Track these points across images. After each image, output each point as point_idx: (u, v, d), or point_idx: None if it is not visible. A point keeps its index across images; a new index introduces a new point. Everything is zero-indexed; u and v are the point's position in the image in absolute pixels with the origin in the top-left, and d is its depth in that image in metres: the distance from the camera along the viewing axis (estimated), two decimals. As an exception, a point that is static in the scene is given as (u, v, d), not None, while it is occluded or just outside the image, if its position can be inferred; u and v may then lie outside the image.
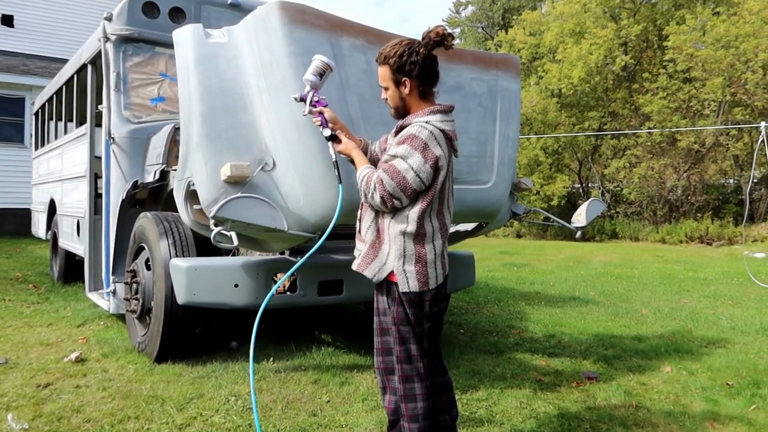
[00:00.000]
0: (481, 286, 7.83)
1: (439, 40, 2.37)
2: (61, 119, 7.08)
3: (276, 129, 3.09)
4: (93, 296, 5.28)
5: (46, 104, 8.05)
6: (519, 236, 20.29)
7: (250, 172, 3.01)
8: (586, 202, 4.05)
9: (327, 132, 2.55)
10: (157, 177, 4.35)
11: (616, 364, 4.31)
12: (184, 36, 3.20)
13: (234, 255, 4.04)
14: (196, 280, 3.48)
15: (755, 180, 17.87)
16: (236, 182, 3.02)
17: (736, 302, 7.00)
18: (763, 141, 9.70)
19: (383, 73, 2.42)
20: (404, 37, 2.49)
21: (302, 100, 2.60)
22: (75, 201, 6.10)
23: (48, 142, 7.93)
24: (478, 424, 3.08)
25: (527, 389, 3.64)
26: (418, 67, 2.36)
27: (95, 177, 5.52)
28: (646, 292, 7.78)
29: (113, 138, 4.68)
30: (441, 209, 2.40)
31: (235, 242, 2.88)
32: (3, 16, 15.48)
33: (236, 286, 3.51)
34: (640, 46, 22.11)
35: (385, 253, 2.37)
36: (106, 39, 4.78)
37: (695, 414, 3.34)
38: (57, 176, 7.10)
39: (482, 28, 37.50)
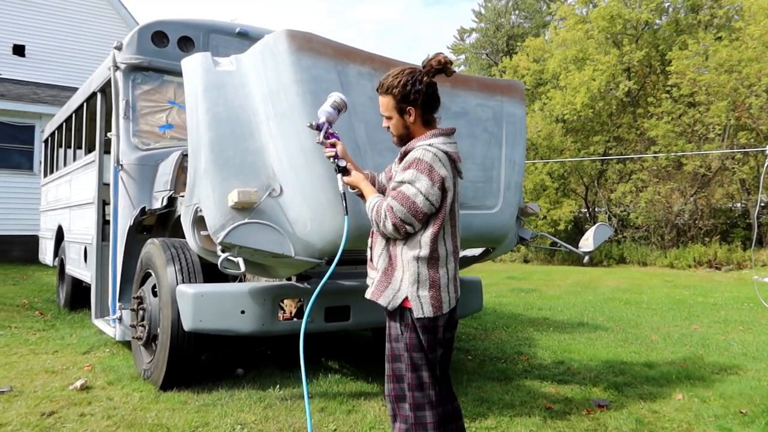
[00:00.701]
0: (488, 312, 7.78)
1: (440, 67, 2.41)
2: (70, 146, 7.16)
3: (283, 155, 3.11)
4: (99, 323, 5.27)
5: (56, 132, 8.15)
6: (526, 261, 20.22)
7: (258, 198, 3.02)
8: (594, 227, 4.04)
9: (341, 163, 2.55)
10: (164, 203, 4.37)
11: (627, 391, 4.24)
12: (193, 64, 3.24)
13: (240, 281, 4.03)
14: (203, 306, 3.47)
15: (762, 204, 17.80)
16: (244, 208, 3.03)
17: (747, 328, 6.92)
18: (769, 165, 9.68)
19: (386, 102, 2.44)
20: (405, 65, 2.52)
21: (317, 128, 2.61)
22: (83, 227, 6.13)
23: (57, 170, 8.00)
24: (488, 454, 3.02)
25: (537, 417, 3.59)
26: (422, 95, 2.39)
27: (103, 203, 5.55)
28: (655, 317, 7.70)
29: (121, 165, 4.71)
30: (452, 231, 2.41)
31: (242, 268, 2.88)
32: (15, 45, 15.76)
33: (243, 312, 3.50)
34: (643, 71, 22.28)
35: (398, 279, 2.36)
36: (116, 68, 4.85)
37: (709, 443, 3.27)
38: (65, 203, 7.15)
39: (486, 54, 37.94)
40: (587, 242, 3.96)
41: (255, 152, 3.15)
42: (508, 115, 3.82)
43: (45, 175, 9.05)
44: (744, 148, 16.98)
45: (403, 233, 2.32)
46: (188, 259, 3.88)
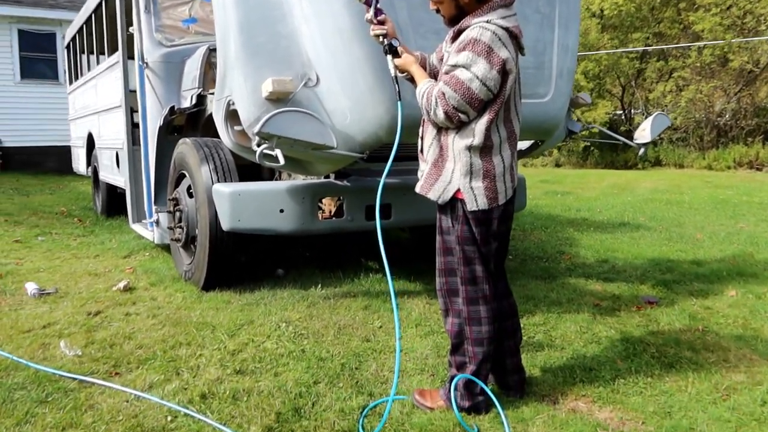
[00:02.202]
0: (525, 213, 7.61)
1: None
2: (92, 50, 6.93)
3: (318, 39, 2.86)
4: (137, 227, 5.26)
5: (76, 36, 7.89)
6: (558, 165, 19.79)
7: (293, 87, 2.81)
8: (650, 117, 3.75)
9: (395, 43, 2.29)
10: (194, 102, 4.18)
11: (676, 288, 4.11)
12: (217, -59, 2.94)
13: (277, 180, 3.90)
14: (240, 205, 3.36)
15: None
16: (278, 99, 2.83)
17: (797, 226, 6.66)
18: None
19: None
20: None
21: (366, 2, 2.33)
22: (113, 132, 6.01)
23: (81, 76, 7.81)
24: (538, 349, 2.95)
25: (585, 314, 3.49)
26: None
27: (131, 110, 5.39)
28: (698, 216, 7.46)
29: (146, 63, 4.50)
30: (509, 116, 2.19)
31: (281, 161, 2.71)
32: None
33: (281, 211, 3.38)
34: (690, -42, 20.64)
35: (449, 170, 2.18)
36: (133, -43, 4.54)
37: (768, 338, 3.15)
38: (93, 109, 7.01)
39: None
40: (644, 133, 3.69)
41: (288, 37, 2.91)
42: (561, -8, 3.46)
43: (70, 83, 8.88)
44: (798, 39, 15.87)
45: (456, 122, 2.11)
46: (222, 158, 3.74)
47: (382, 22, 2.32)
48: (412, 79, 2.33)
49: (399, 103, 2.27)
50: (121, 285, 3.96)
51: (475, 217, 2.19)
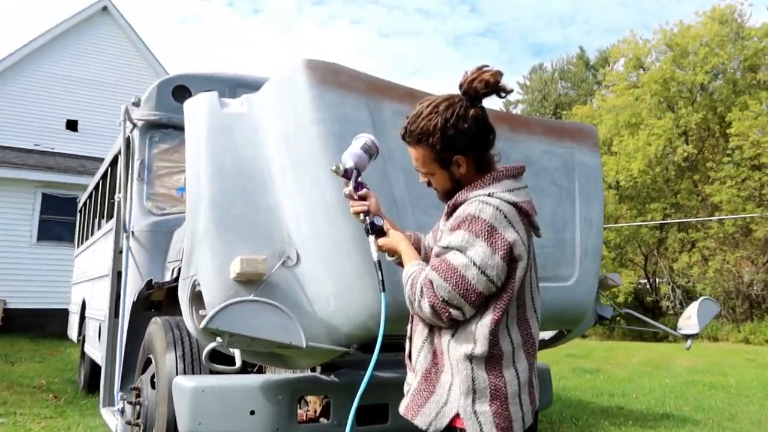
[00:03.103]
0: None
1: (491, 89, 1.67)
2: (96, 215, 6.78)
3: (301, 214, 2.47)
4: (105, 413, 4.60)
5: (87, 200, 7.85)
6: (584, 336, 18.80)
7: (267, 268, 2.36)
8: (696, 303, 3.20)
9: (377, 222, 1.87)
10: (174, 275, 3.76)
11: None
12: (196, 105, 2.70)
13: (256, 369, 3.33)
14: (203, 404, 2.76)
15: None
16: (249, 281, 2.37)
17: None
18: None
19: (421, 155, 1.75)
20: (433, 96, 1.75)
21: (345, 175, 1.93)
22: (100, 302, 5.60)
23: (86, 240, 7.64)
24: None
25: None
26: (472, 135, 1.68)
27: (118, 275, 5.02)
28: (752, 407, 6.54)
29: (132, 232, 4.19)
30: (523, 314, 1.67)
31: (238, 362, 2.17)
32: (68, 121, 16.14)
33: (252, 413, 2.77)
34: (701, 134, 21.30)
35: (445, 386, 1.63)
36: (133, 125, 4.43)
37: None
38: (89, 275, 6.70)
39: (533, 123, 37.56)
40: (689, 322, 3.12)
41: (267, 211, 2.52)
42: (580, 164, 3.12)
43: (77, 246, 8.73)
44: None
45: (446, 320, 1.60)
46: (193, 344, 3.21)
47: (363, 197, 1.91)
48: (401, 263, 1.86)
49: (383, 294, 1.77)
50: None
51: (483, 454, 1.59)
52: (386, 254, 1.89)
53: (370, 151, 1.99)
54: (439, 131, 1.66)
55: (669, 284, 19.87)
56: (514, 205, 1.63)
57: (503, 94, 1.68)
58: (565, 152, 3.08)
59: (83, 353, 6.89)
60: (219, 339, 2.20)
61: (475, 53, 67.07)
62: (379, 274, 1.80)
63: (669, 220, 19.93)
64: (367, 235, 1.85)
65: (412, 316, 1.77)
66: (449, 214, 1.73)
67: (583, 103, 30.50)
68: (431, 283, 1.59)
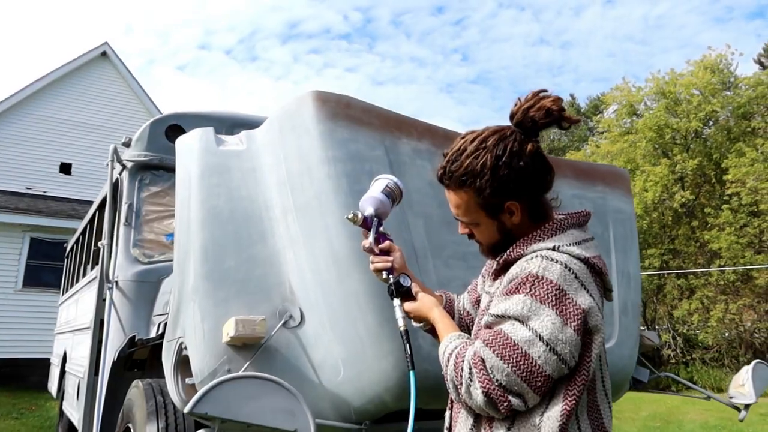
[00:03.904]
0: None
1: (552, 118, 1.35)
2: (81, 261, 6.41)
3: (306, 266, 2.14)
4: (79, 484, 4.16)
5: (74, 245, 7.49)
6: (585, 387, 18.22)
7: (266, 330, 2.01)
8: (749, 368, 2.83)
9: (404, 282, 1.54)
10: (160, 331, 3.39)
11: None
12: (189, 142, 2.40)
13: None
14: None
15: None
16: (245, 345, 2.02)
17: None
18: None
19: (464, 201, 1.40)
20: (478, 130, 1.41)
21: (363, 225, 1.62)
22: (80, 357, 5.19)
23: (71, 287, 7.24)
24: None
25: None
26: (529, 176, 1.35)
27: (101, 324, 4.63)
28: (779, 471, 6.10)
29: (116, 282, 3.83)
30: (594, 400, 1.31)
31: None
32: (62, 164, 15.89)
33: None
34: (696, 180, 21.25)
35: None
36: (122, 167, 4.13)
37: None
38: (70, 326, 6.29)
39: (527, 169, 37.61)
40: (743, 389, 2.76)
41: (266, 262, 2.19)
42: (614, 210, 2.83)
43: (62, 294, 8.32)
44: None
45: (504, 411, 1.24)
46: (178, 414, 2.82)
47: (385, 251, 1.58)
48: (432, 330, 1.52)
49: (411, 373, 1.42)
50: None
51: None
52: (413, 321, 1.55)
53: (393, 196, 1.67)
54: (488, 171, 1.33)
55: (669, 332, 19.45)
56: (586, 261, 1.30)
57: (566, 125, 1.37)
58: (597, 197, 2.79)
59: (61, 412, 6.41)
60: (208, 424, 1.83)
61: (467, 99, 68.34)
62: (407, 347, 1.45)
63: (667, 271, 19.67)
64: (391, 298, 1.52)
65: (452, 400, 1.42)
66: (499, 273, 1.40)
67: (577, 149, 30.62)
68: (483, 362, 1.24)
